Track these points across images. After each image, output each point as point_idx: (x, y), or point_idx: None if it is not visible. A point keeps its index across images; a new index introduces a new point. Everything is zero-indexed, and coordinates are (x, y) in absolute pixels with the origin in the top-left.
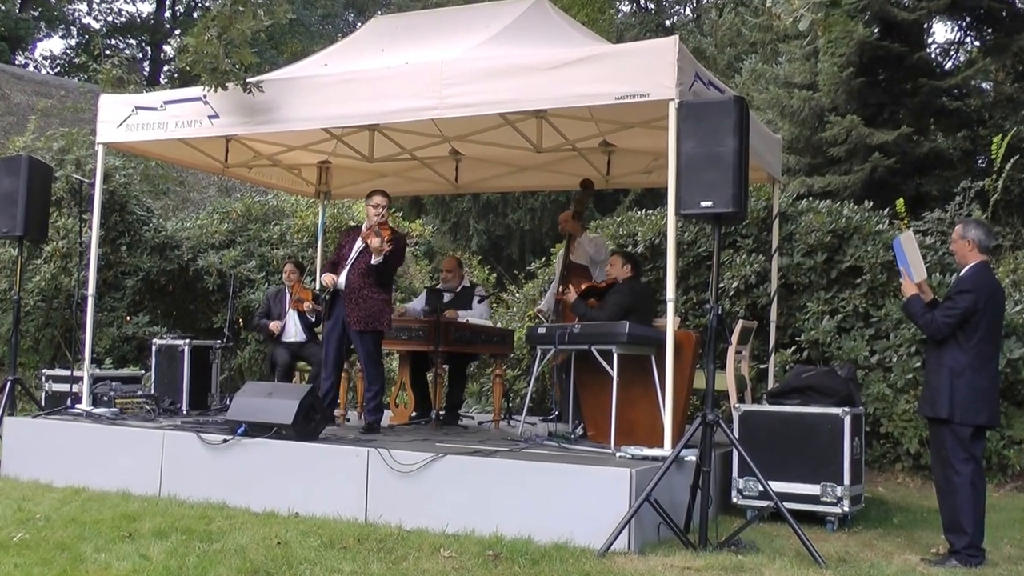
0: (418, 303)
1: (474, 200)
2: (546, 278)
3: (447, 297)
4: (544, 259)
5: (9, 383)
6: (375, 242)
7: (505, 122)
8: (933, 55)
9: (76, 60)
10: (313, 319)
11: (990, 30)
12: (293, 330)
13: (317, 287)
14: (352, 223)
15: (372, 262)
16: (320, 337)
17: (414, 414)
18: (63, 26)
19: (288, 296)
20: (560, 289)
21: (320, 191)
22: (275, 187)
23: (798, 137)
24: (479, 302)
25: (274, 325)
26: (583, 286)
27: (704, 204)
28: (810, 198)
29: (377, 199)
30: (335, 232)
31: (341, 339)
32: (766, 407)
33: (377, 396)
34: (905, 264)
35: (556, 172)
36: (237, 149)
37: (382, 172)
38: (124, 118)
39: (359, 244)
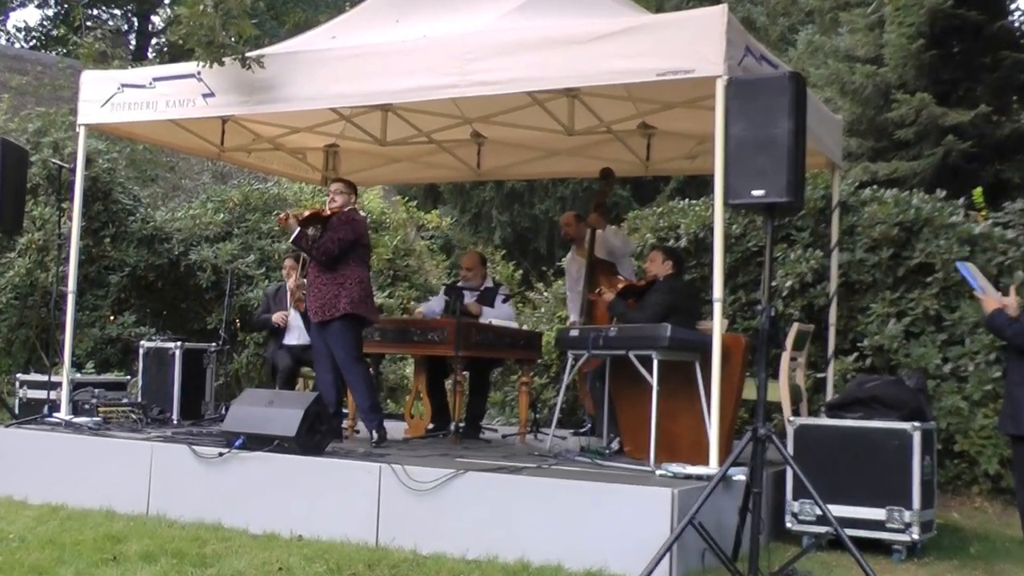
0: (436, 304)
1: (497, 188)
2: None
3: (469, 296)
4: None
5: None
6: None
7: (533, 101)
8: (1016, 24)
9: (54, 32)
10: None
11: None
12: (296, 332)
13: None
14: (364, 213)
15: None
16: None
17: (431, 426)
18: None
19: (288, 294)
20: (591, 291)
21: (327, 178)
22: (277, 173)
23: (860, 117)
24: (503, 302)
25: (278, 317)
26: (619, 284)
27: (755, 193)
28: (874, 186)
29: (334, 185)
30: None
31: (318, 338)
32: (824, 421)
33: (361, 395)
34: (977, 284)
35: (589, 157)
36: (234, 131)
37: (395, 157)
38: (108, 97)
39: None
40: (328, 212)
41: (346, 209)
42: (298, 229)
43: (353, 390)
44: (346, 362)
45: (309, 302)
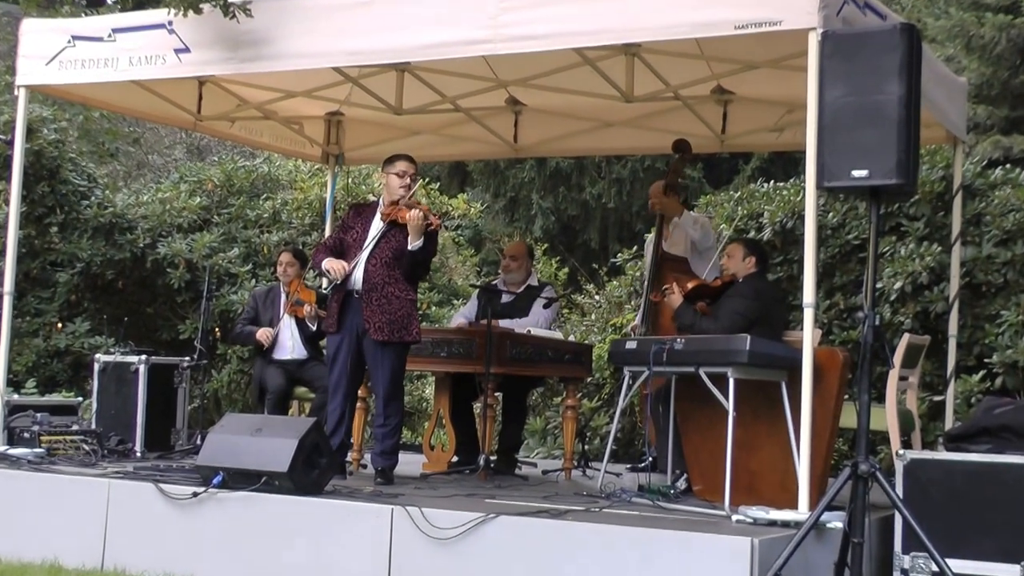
0: (470, 310)
1: (538, 168)
2: (636, 274)
3: (506, 296)
4: (635, 248)
5: None
6: (415, 217)
7: (583, 61)
8: None
9: None
10: (315, 328)
11: None
12: (290, 344)
13: (323, 285)
14: (373, 197)
15: (410, 247)
16: (325, 353)
17: (455, 459)
18: None
19: (284, 297)
20: (655, 291)
21: (329, 153)
22: (267, 148)
23: (991, 80)
24: (545, 307)
25: (263, 334)
26: (689, 284)
27: (856, 174)
28: (1007, 165)
29: (402, 165)
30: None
31: (356, 355)
32: (943, 455)
33: (396, 432)
34: None
35: (651, 129)
36: (215, 96)
37: (413, 128)
38: (56, 52)
39: (378, 226)
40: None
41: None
42: (423, 238)
43: (386, 418)
44: (395, 392)
45: (371, 313)
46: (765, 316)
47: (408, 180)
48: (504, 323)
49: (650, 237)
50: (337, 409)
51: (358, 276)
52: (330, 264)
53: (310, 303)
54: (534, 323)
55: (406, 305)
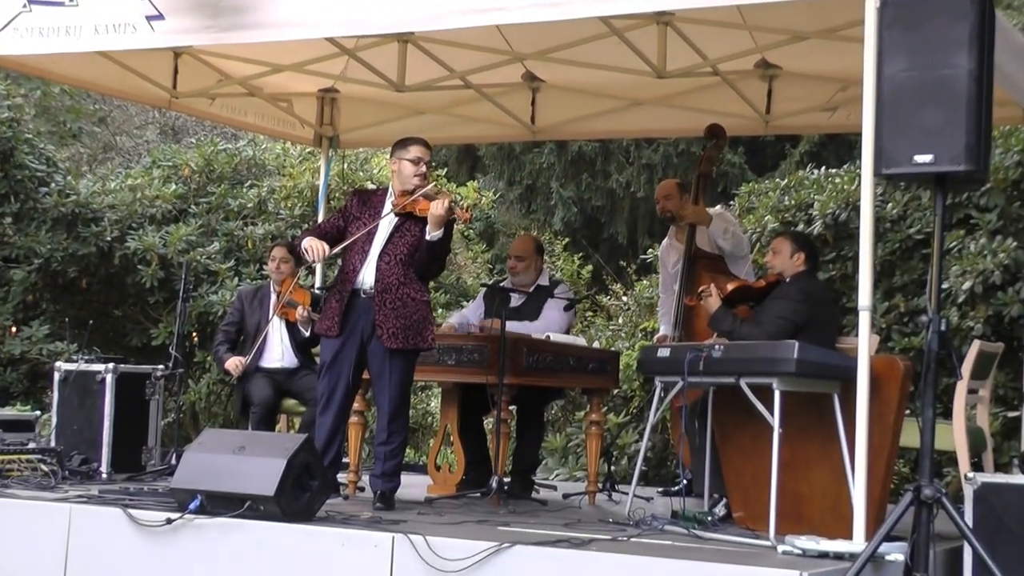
0: (472, 312)
1: (559, 152)
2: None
3: (517, 300)
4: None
5: None
6: (438, 207)
7: (609, 31)
8: None
9: None
10: (307, 333)
11: None
12: (279, 350)
13: (317, 285)
14: (372, 184)
15: (428, 236)
16: (320, 360)
17: (464, 481)
18: None
19: (274, 298)
20: (688, 294)
21: (322, 135)
22: (251, 128)
23: None
24: (566, 309)
25: (232, 364)
26: (729, 286)
27: (919, 159)
28: None
29: (417, 150)
30: (345, 198)
31: (358, 363)
32: (1019, 478)
33: (400, 452)
34: None
35: (687, 109)
36: (193, 69)
37: (418, 107)
38: (9, 18)
39: (391, 218)
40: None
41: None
42: (443, 229)
43: (391, 435)
44: (402, 406)
45: (384, 317)
46: (815, 320)
47: (423, 168)
48: (512, 327)
49: (664, 243)
50: (329, 422)
51: (368, 275)
52: (311, 243)
53: (304, 305)
54: (544, 328)
55: (422, 308)
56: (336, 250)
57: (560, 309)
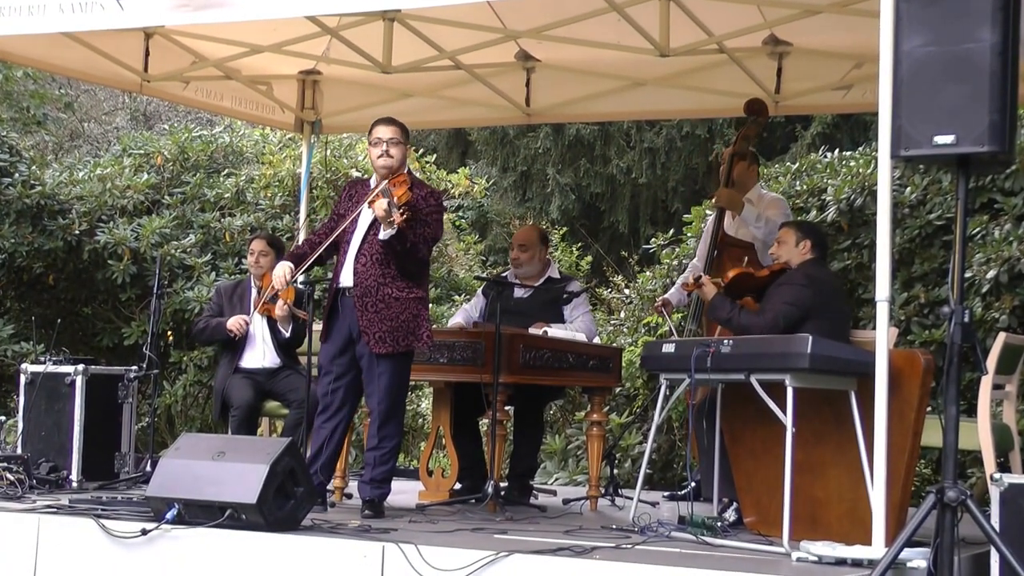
0: (475, 309)
1: (555, 136)
2: (674, 263)
3: (519, 293)
4: (672, 232)
5: None
6: (381, 207)
7: (608, 6)
8: None
9: None
10: (288, 334)
11: None
12: (260, 349)
13: (299, 280)
14: (356, 172)
15: (381, 236)
16: (319, 361)
17: (458, 486)
18: None
19: (255, 293)
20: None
21: (303, 120)
22: (228, 113)
23: None
24: (565, 304)
25: (236, 322)
26: (730, 273)
27: (940, 140)
28: None
29: (377, 130)
30: (329, 188)
31: (354, 366)
32: None
33: (391, 457)
34: None
35: (691, 89)
36: (165, 51)
37: (405, 89)
38: None
39: (367, 213)
40: (403, 184)
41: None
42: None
43: (382, 440)
44: (394, 410)
45: (367, 321)
46: (822, 309)
47: (385, 148)
48: (555, 330)
49: (712, 216)
50: (327, 426)
51: (347, 276)
52: (276, 271)
53: (287, 299)
54: (587, 333)
55: (411, 306)
56: (309, 262)
57: (587, 307)
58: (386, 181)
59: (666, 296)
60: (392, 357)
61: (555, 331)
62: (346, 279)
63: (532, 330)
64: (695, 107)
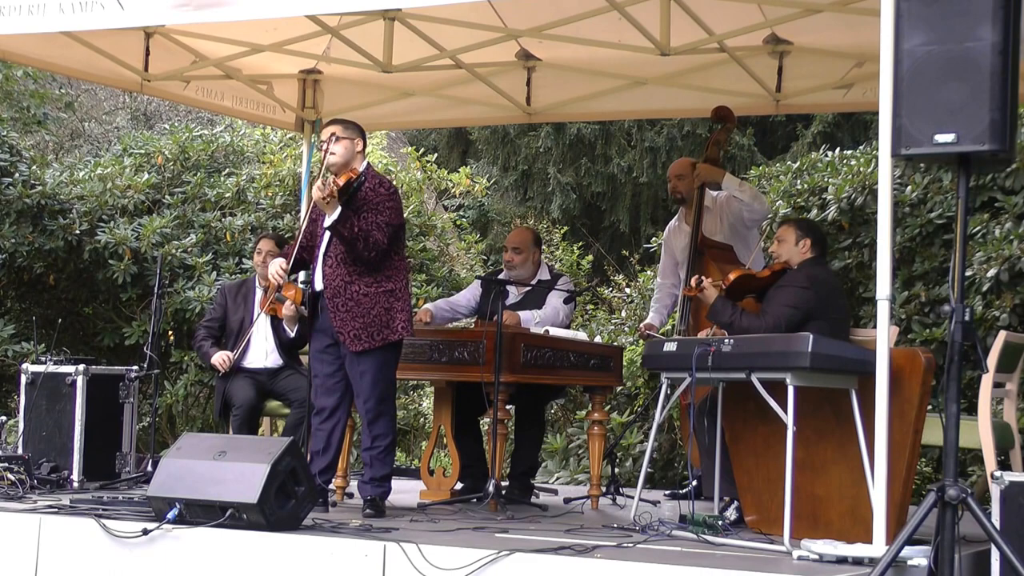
0: (464, 300)
1: (556, 135)
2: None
3: (513, 295)
4: None
5: None
6: (317, 190)
7: (609, 5)
8: None
9: None
10: (293, 334)
11: None
12: (264, 349)
13: (301, 279)
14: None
15: (325, 223)
16: (307, 363)
17: (459, 486)
18: None
19: (260, 293)
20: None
21: (304, 119)
22: (229, 113)
23: None
24: (566, 302)
25: (220, 359)
26: (731, 275)
27: (941, 139)
28: None
29: (323, 132)
30: None
31: (341, 366)
32: None
33: (388, 455)
34: None
35: (692, 88)
36: (165, 50)
37: (406, 89)
38: None
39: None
40: (349, 177)
41: (362, 169)
42: (339, 208)
43: (375, 439)
44: (383, 406)
45: (340, 321)
46: (823, 309)
47: (326, 147)
48: (555, 330)
49: (672, 224)
50: (324, 427)
51: (319, 278)
52: (270, 267)
53: (295, 300)
54: (554, 318)
55: (381, 300)
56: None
57: (563, 300)
58: (332, 176)
59: (648, 320)
60: (370, 354)
61: (556, 331)
62: (319, 282)
63: (532, 329)
64: (696, 106)
